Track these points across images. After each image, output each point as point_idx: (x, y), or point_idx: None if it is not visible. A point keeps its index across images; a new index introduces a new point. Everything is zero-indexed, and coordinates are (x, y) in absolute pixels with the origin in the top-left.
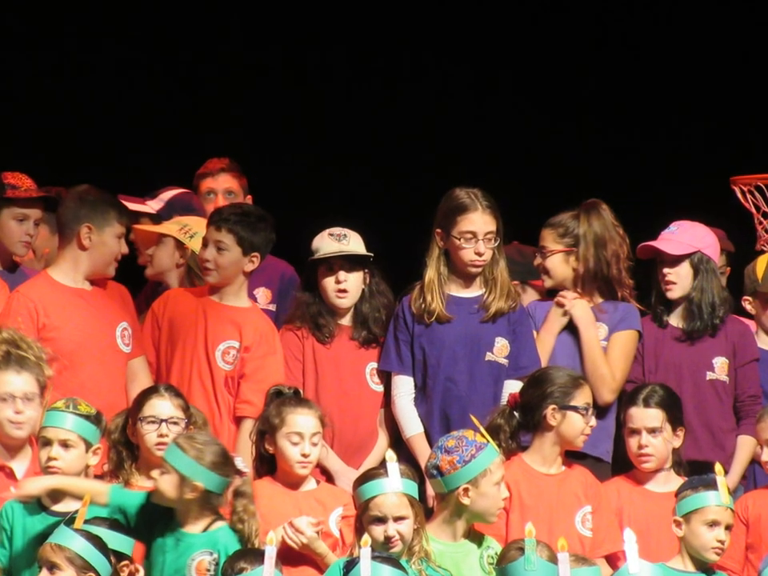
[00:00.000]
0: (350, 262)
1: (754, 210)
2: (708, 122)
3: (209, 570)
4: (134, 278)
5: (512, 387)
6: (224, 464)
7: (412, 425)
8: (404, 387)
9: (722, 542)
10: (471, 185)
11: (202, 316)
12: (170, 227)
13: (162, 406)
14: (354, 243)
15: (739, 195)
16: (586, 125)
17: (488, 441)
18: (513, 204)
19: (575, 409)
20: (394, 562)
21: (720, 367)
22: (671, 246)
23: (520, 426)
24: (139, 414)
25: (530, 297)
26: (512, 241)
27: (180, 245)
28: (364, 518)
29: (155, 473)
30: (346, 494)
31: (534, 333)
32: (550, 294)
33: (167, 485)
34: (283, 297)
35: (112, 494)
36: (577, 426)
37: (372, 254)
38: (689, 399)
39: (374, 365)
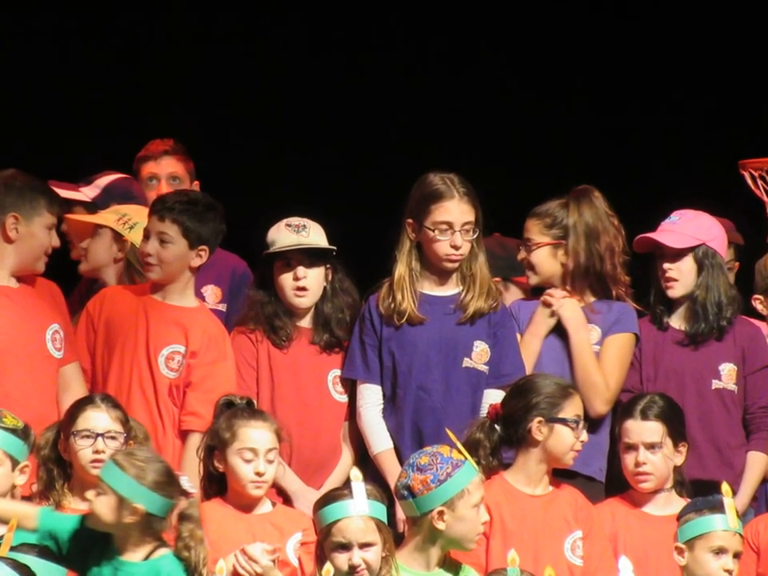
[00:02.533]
0: (310, 257)
1: (765, 198)
2: (713, 99)
3: None
4: (66, 275)
5: (493, 397)
6: (168, 484)
7: (380, 439)
8: (371, 397)
9: (729, 572)
10: (447, 169)
11: (142, 317)
12: (106, 217)
13: (98, 418)
14: (314, 235)
15: (749, 181)
16: (576, 102)
17: (466, 458)
18: (494, 191)
19: (564, 422)
20: None
21: (727, 375)
22: (672, 239)
23: (502, 440)
24: (72, 427)
25: (513, 295)
26: (493, 232)
27: (118, 237)
28: (326, 544)
29: (90, 494)
30: (306, 518)
31: (518, 336)
32: (535, 293)
33: (104, 507)
34: (234, 295)
35: (41, 517)
36: (566, 440)
37: (335, 248)
38: (692, 411)
39: (337, 372)
